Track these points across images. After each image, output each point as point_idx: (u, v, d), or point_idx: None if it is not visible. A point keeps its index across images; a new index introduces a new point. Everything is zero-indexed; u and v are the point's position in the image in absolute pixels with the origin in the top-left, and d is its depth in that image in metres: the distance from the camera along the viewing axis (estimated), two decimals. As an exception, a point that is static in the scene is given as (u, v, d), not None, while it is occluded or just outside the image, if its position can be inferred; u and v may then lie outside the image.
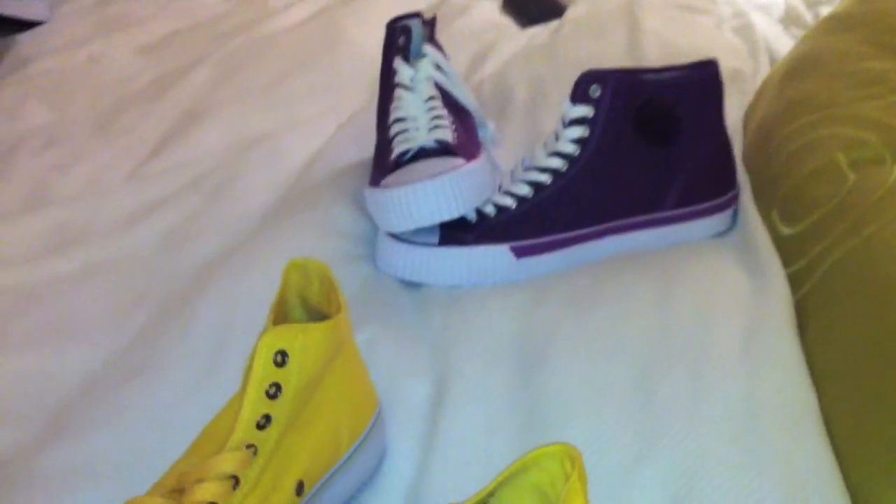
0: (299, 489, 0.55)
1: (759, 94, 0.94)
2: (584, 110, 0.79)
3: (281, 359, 0.53)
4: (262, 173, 0.97)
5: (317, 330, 0.55)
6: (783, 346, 0.65)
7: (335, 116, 1.05)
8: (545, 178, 0.79)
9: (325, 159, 0.96)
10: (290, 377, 0.53)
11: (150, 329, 0.75)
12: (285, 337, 0.53)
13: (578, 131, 0.79)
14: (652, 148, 0.79)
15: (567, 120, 0.80)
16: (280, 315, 0.61)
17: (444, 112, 0.85)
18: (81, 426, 0.66)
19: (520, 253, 0.79)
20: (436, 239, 0.79)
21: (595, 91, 0.78)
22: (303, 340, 0.53)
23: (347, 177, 0.91)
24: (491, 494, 0.47)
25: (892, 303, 0.60)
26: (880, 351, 0.59)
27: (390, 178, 0.79)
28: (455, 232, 0.79)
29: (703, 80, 0.81)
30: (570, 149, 0.79)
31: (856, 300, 0.64)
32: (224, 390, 0.59)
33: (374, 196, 0.78)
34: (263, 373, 0.52)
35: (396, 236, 0.80)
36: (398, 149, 0.81)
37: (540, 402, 0.65)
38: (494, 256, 0.79)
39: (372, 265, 0.82)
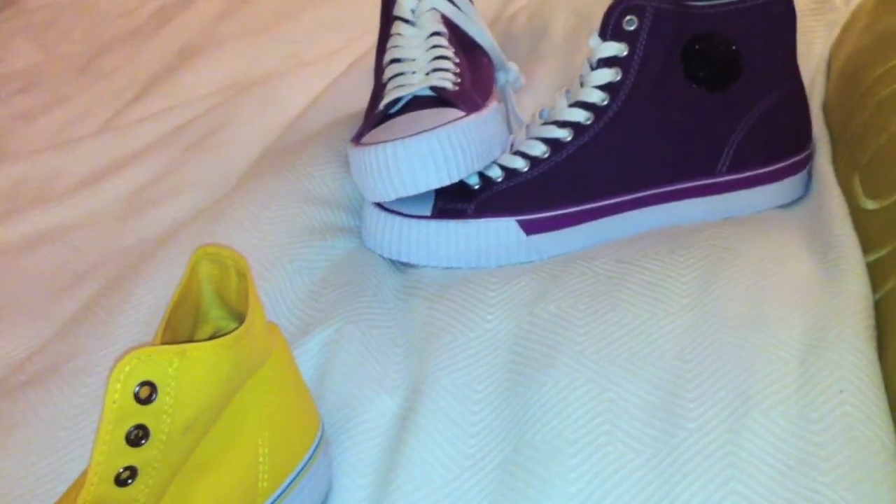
0: (192, 554, 0.42)
1: (848, 25, 0.76)
2: (616, 48, 0.62)
3: (147, 393, 0.39)
4: (254, 123, 0.84)
5: (203, 352, 0.41)
6: (855, 364, 0.48)
7: (343, 58, 0.91)
8: (564, 135, 0.63)
9: (324, 109, 0.82)
10: (162, 415, 0.40)
11: (83, 315, 0.62)
12: (151, 364, 0.39)
13: (608, 75, 0.63)
14: (701, 97, 0.63)
15: (595, 61, 0.63)
16: (190, 317, 0.47)
17: (451, 52, 0.70)
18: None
19: (530, 228, 0.63)
20: (429, 210, 0.64)
21: (630, 23, 0.62)
22: (180, 367, 0.40)
23: (342, 130, 0.77)
24: None
25: None
26: None
27: (372, 134, 0.64)
28: (452, 201, 0.64)
29: (771, 9, 0.63)
30: (597, 97, 0.63)
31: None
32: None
33: (353, 156, 0.64)
34: (120, 412, 0.39)
35: (383, 207, 0.66)
36: (388, 97, 0.66)
37: (531, 431, 0.50)
38: (499, 232, 0.64)
39: (357, 240, 0.68)
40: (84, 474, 0.43)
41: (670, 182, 0.64)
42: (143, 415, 0.39)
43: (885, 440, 0.46)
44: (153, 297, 0.60)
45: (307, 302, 0.62)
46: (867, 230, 0.57)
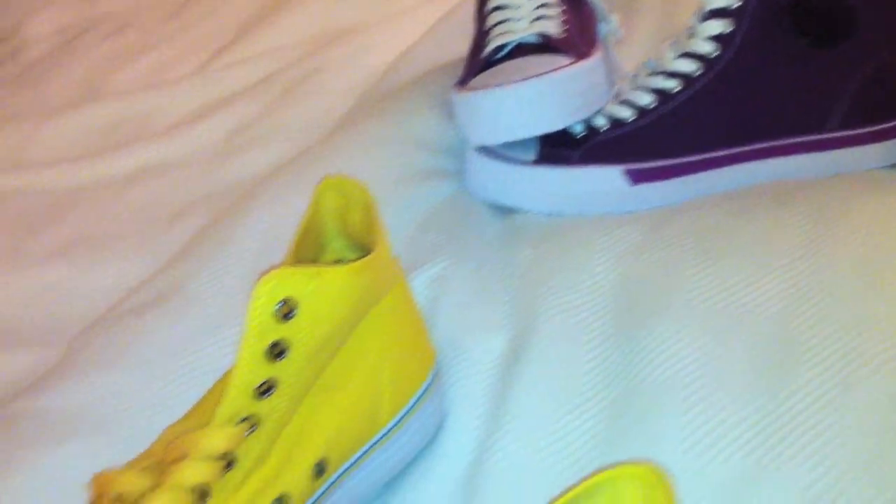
0: (319, 471, 0.43)
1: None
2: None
3: (287, 310, 0.40)
4: (347, 71, 0.84)
5: (338, 275, 0.42)
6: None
7: (435, 9, 0.91)
8: (673, 85, 0.63)
9: (417, 58, 0.82)
10: (300, 334, 0.41)
11: (187, 249, 0.63)
12: (292, 282, 0.40)
13: (719, 26, 0.62)
14: (812, 52, 0.62)
15: (705, 11, 0.63)
16: (312, 246, 0.48)
17: (555, 0, 0.69)
18: (88, 362, 0.55)
19: (636, 178, 0.63)
20: (533, 155, 0.65)
21: (744, -25, 0.61)
22: (317, 287, 0.41)
23: (441, 77, 0.77)
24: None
25: None
26: None
27: (478, 80, 0.64)
28: (557, 148, 0.64)
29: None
30: (707, 48, 0.62)
31: None
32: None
33: (458, 100, 0.64)
34: (262, 327, 0.40)
35: (487, 151, 0.66)
36: (492, 44, 0.66)
37: (637, 378, 0.50)
38: (604, 180, 0.64)
39: (458, 185, 0.68)
40: (216, 386, 0.45)
41: (778, 137, 0.63)
42: (283, 330, 0.40)
43: None
44: (263, 227, 0.61)
45: (410, 243, 0.62)
46: None
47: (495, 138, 0.62)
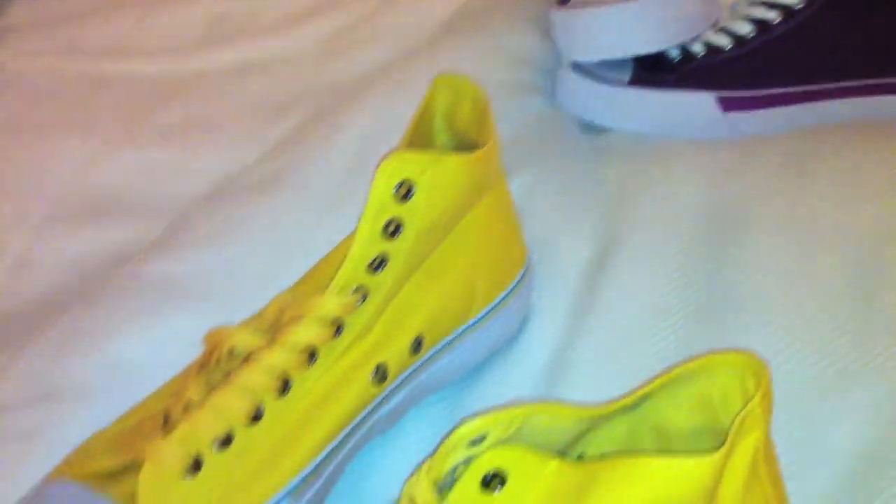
0: (416, 346, 0.46)
1: None
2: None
3: (405, 191, 0.43)
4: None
5: (454, 162, 0.44)
6: None
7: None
8: (773, 16, 0.64)
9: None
10: (415, 214, 0.43)
11: (291, 141, 0.66)
12: (412, 165, 0.42)
13: (826, -40, 0.63)
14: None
15: (813, -55, 0.63)
16: (420, 137, 0.50)
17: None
18: (195, 239, 0.59)
19: (728, 105, 0.65)
20: (627, 77, 0.66)
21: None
22: (434, 172, 0.43)
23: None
24: (645, 398, 0.37)
25: None
26: None
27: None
28: (652, 70, 0.66)
29: None
30: (812, -18, 0.63)
31: None
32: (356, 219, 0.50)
33: (558, 18, 0.66)
34: (381, 205, 0.42)
35: (581, 69, 0.67)
36: (595, -35, 0.68)
37: (723, 287, 0.52)
38: (696, 106, 0.65)
39: (548, 100, 0.70)
40: (324, 260, 0.48)
41: (875, 75, 0.64)
42: (399, 210, 0.43)
43: None
44: (367, 124, 0.63)
45: (502, 154, 0.64)
46: None
47: (592, 55, 0.64)
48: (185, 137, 0.69)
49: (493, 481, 0.34)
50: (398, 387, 0.47)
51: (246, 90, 0.74)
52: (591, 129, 0.68)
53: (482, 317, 0.50)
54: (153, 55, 0.78)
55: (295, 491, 0.42)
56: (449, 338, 0.48)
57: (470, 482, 0.34)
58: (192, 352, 0.47)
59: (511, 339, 0.52)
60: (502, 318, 0.51)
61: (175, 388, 0.45)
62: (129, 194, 0.65)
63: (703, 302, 0.52)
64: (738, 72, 0.64)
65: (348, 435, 0.45)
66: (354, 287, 0.43)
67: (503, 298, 0.51)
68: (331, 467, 0.44)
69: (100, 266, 0.61)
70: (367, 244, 0.43)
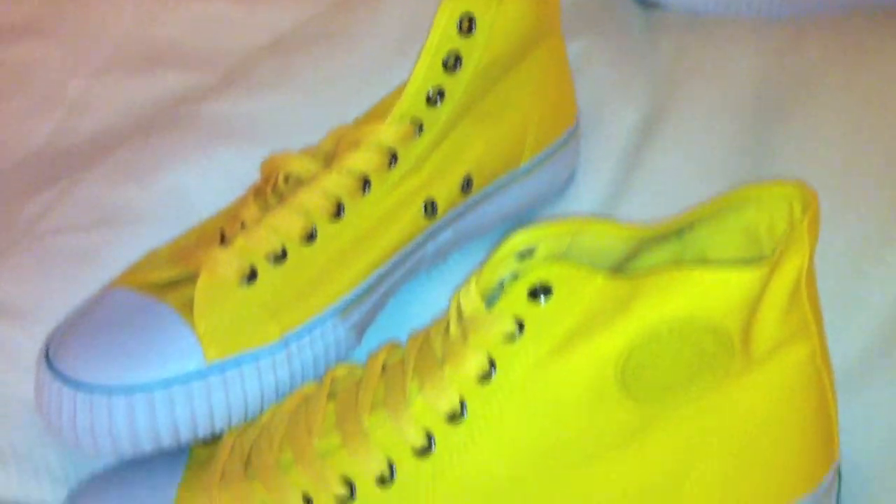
0: (466, 185, 0.47)
1: None
2: None
3: (467, 25, 0.43)
4: None
5: (516, 2, 0.44)
6: None
7: None
8: None
9: None
10: (474, 50, 0.44)
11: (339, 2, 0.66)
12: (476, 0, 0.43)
13: None
14: None
15: None
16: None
17: None
18: (257, 80, 0.60)
19: (787, -17, 0.64)
20: (688, -50, 0.65)
21: None
22: (497, 8, 0.44)
23: None
24: (692, 225, 0.37)
25: None
26: None
27: None
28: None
29: None
30: None
31: None
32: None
33: None
34: (443, 37, 0.43)
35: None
36: None
37: (770, 156, 0.53)
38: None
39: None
40: (382, 102, 0.48)
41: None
42: (461, 43, 0.43)
43: None
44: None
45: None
46: None
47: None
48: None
49: (539, 293, 0.35)
50: (446, 224, 0.48)
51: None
52: (644, 4, 0.68)
53: (532, 165, 0.51)
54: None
55: (343, 311, 0.44)
56: (498, 182, 0.49)
57: (517, 293, 0.35)
58: (243, 186, 0.48)
59: (558, 192, 0.53)
60: (551, 169, 0.52)
61: (231, 212, 0.46)
62: (189, 45, 0.66)
63: (750, 167, 0.52)
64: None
65: (396, 264, 0.46)
66: (411, 118, 0.44)
67: (554, 150, 0.51)
68: (377, 294, 0.46)
69: (156, 110, 0.62)
70: (427, 75, 0.44)
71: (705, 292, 0.33)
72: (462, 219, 0.49)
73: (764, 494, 0.37)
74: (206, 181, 0.54)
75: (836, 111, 0.55)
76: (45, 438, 0.44)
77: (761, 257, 0.37)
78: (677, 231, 0.37)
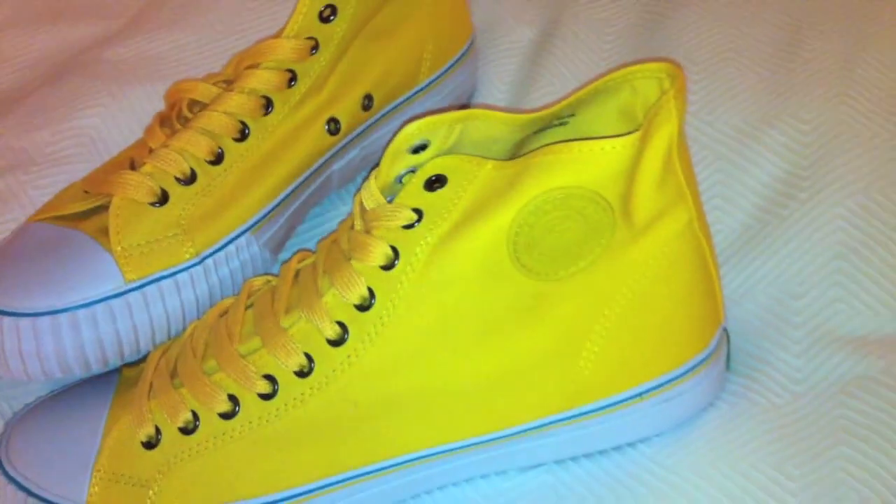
0: (367, 103, 0.49)
1: None
2: None
3: (354, -61, 0.45)
4: None
5: None
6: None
7: None
8: None
9: None
10: (363, -35, 0.46)
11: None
12: (359, -90, 0.45)
13: None
14: None
15: None
16: None
17: None
18: (155, 23, 0.61)
19: None
20: None
21: None
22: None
23: None
24: (572, 114, 0.40)
25: None
26: None
27: None
28: None
29: None
30: None
31: None
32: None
33: None
34: (333, -48, 0.45)
35: None
36: None
37: (661, 52, 0.56)
38: None
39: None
40: (279, 31, 0.50)
41: None
42: (350, -41, 0.45)
43: None
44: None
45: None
46: None
47: None
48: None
49: (435, 184, 0.37)
50: (350, 142, 0.50)
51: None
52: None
53: (430, 82, 0.53)
54: None
55: (254, 227, 0.46)
56: (398, 101, 0.51)
57: (415, 185, 0.37)
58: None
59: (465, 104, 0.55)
60: (450, 85, 0.54)
61: (139, 142, 0.47)
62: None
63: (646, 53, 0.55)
64: None
65: (304, 183, 0.48)
66: (306, 35, 0.46)
67: (450, 66, 0.53)
68: (288, 211, 0.48)
69: (62, 58, 0.62)
70: (315, -5, 0.45)
71: (582, 163, 0.35)
72: (366, 137, 0.51)
73: (657, 357, 0.40)
74: (114, 121, 0.55)
75: (724, 3, 0.58)
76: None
77: (638, 133, 0.39)
78: (561, 118, 0.40)
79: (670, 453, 0.41)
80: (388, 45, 0.49)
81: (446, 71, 0.53)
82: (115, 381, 0.43)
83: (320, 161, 0.48)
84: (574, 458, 0.42)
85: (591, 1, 0.61)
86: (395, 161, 0.38)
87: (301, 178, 0.48)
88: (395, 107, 0.51)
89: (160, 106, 0.51)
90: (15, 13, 0.66)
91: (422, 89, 0.52)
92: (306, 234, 0.51)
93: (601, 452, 0.41)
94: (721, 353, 0.42)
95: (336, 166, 0.50)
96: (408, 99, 0.52)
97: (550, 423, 0.40)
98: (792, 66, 0.53)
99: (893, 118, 0.50)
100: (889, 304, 0.44)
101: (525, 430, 0.40)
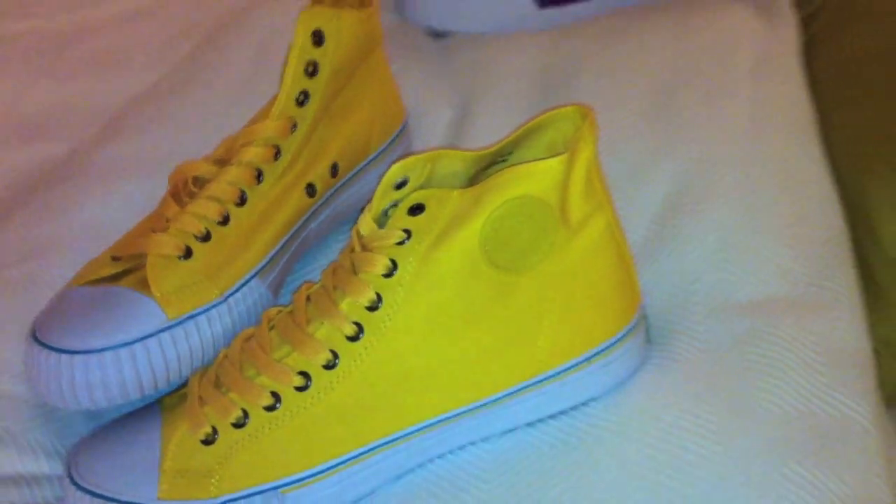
0: (334, 170, 0.61)
1: None
2: None
3: (318, 39, 0.57)
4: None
5: (350, 16, 0.58)
6: (787, 70, 0.69)
7: None
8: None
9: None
10: (326, 57, 0.57)
11: (191, 57, 0.79)
12: (322, 17, 0.57)
13: None
14: None
15: None
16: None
17: None
18: (133, 129, 0.71)
19: (543, 1, 0.82)
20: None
21: None
22: (338, 24, 0.57)
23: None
24: (510, 152, 0.52)
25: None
26: (885, 59, 0.63)
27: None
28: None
29: None
30: None
31: (860, 25, 0.67)
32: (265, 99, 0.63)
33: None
34: (302, 50, 0.56)
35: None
36: None
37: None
38: (517, 4, 0.82)
39: (396, 16, 0.86)
40: (255, 115, 0.61)
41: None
42: (316, 53, 0.57)
43: (805, 111, 0.67)
44: (251, 36, 0.77)
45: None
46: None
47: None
48: (96, 68, 0.80)
49: (416, 210, 0.49)
50: (324, 203, 0.61)
51: (139, 32, 0.86)
52: (436, 34, 0.85)
53: (378, 153, 0.65)
54: (49, 14, 0.89)
55: (260, 272, 0.56)
56: (357, 168, 0.63)
57: (400, 213, 0.49)
58: (143, 211, 0.60)
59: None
60: (392, 156, 0.66)
61: (154, 215, 0.57)
62: (57, 117, 0.77)
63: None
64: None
65: (293, 235, 0.59)
66: (287, 117, 0.57)
67: (392, 140, 0.66)
68: (283, 260, 0.58)
69: (49, 167, 0.72)
70: (294, 82, 0.57)
71: (529, 178, 0.47)
72: (334, 200, 0.62)
73: (595, 330, 0.52)
74: (114, 213, 0.65)
75: (599, 75, 0.72)
76: (35, 421, 0.54)
77: (562, 162, 0.52)
78: (503, 155, 0.52)
79: (613, 409, 0.53)
80: (346, 123, 0.61)
81: (390, 143, 0.66)
82: (156, 408, 0.52)
83: (302, 219, 0.59)
84: (541, 420, 0.52)
85: (499, 80, 0.74)
86: (384, 196, 0.49)
87: (290, 233, 0.58)
88: (355, 173, 0.63)
89: (146, 194, 0.61)
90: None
91: (373, 159, 0.64)
92: (293, 284, 0.61)
93: (563, 412, 0.53)
94: (642, 326, 0.54)
95: (313, 224, 0.61)
96: (364, 167, 0.64)
97: (521, 388, 0.51)
98: (668, 111, 0.67)
99: (751, 147, 0.64)
100: (761, 279, 0.58)
101: (501, 397, 0.51)
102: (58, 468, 0.53)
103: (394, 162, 0.49)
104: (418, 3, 0.84)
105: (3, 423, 0.53)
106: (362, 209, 0.50)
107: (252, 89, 0.73)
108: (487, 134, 0.69)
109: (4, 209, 0.67)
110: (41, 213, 0.65)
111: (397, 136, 0.66)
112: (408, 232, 0.48)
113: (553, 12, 0.82)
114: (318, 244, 0.63)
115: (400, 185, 0.49)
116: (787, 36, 0.72)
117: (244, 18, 0.81)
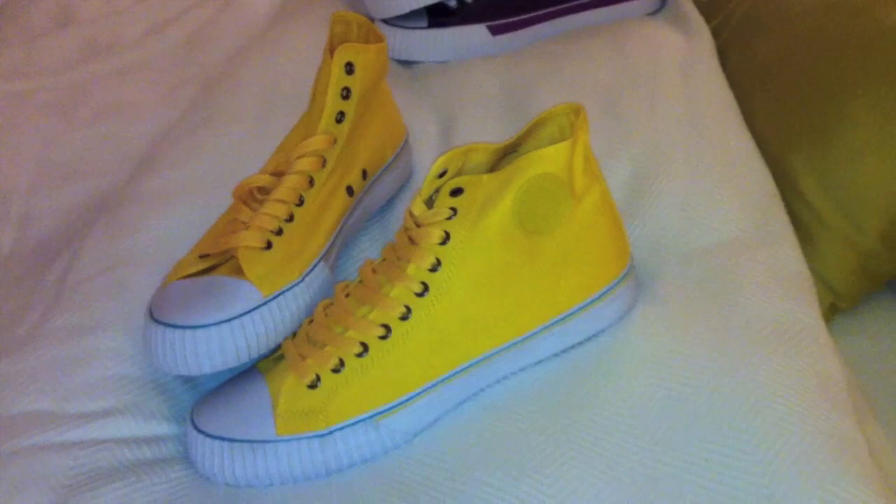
0: (364, 175, 0.74)
1: None
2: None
3: (349, 69, 0.70)
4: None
5: (373, 50, 0.72)
6: (710, 70, 0.86)
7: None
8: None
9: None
10: (356, 84, 0.71)
11: (202, 98, 0.91)
12: (353, 51, 0.70)
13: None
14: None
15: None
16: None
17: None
18: (165, 165, 0.83)
19: (495, 31, 0.97)
20: (425, 23, 0.97)
21: None
22: (365, 56, 0.71)
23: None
24: (520, 144, 0.66)
25: (793, 24, 0.82)
26: (788, 56, 0.80)
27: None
28: (440, 17, 0.97)
29: None
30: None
31: (765, 30, 0.85)
32: (279, 130, 0.74)
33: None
34: (338, 78, 0.70)
35: (389, 22, 0.97)
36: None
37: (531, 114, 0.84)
38: (474, 35, 0.97)
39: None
40: (303, 121, 0.73)
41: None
42: (348, 80, 0.70)
43: (732, 104, 0.83)
44: (259, 73, 0.90)
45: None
46: (706, 11, 0.95)
47: (395, 12, 0.94)
48: (111, 115, 0.91)
49: (457, 192, 0.62)
50: (358, 202, 0.74)
51: (140, 81, 0.97)
52: (406, 63, 0.99)
53: (391, 161, 0.78)
54: (51, 72, 0.99)
55: (324, 256, 0.69)
56: (378, 173, 0.76)
57: (444, 196, 0.62)
58: (199, 228, 0.71)
59: (408, 178, 0.81)
60: (401, 164, 0.80)
61: (226, 218, 0.69)
62: (88, 159, 0.87)
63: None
64: (497, 8, 0.97)
65: (341, 228, 0.72)
66: (329, 133, 0.70)
67: (399, 151, 0.79)
68: (336, 247, 0.71)
69: (89, 205, 0.82)
70: (333, 104, 0.70)
71: (546, 160, 0.62)
72: (364, 199, 0.75)
73: (600, 278, 0.66)
74: (172, 229, 0.76)
75: (553, 91, 0.87)
76: (149, 394, 0.65)
77: (561, 149, 0.67)
78: (514, 146, 0.66)
79: (615, 338, 0.67)
80: (369, 137, 0.75)
81: (398, 154, 0.79)
82: (255, 370, 0.64)
83: (347, 215, 0.72)
84: (563, 352, 0.66)
85: (469, 100, 0.89)
86: (431, 184, 0.63)
87: (340, 226, 0.71)
88: (377, 178, 0.76)
89: (205, 215, 0.73)
90: (34, 177, 0.86)
91: (387, 166, 0.78)
92: (339, 268, 0.74)
93: (579, 343, 0.67)
94: (633, 272, 0.69)
95: (350, 220, 0.74)
96: (383, 172, 0.77)
97: (548, 325, 0.65)
98: (617, 113, 0.83)
99: (690, 132, 0.80)
100: (716, 228, 0.73)
101: (533, 334, 0.65)
102: (173, 429, 0.64)
103: (435, 158, 0.62)
104: (391, 40, 0.97)
105: (128, 398, 0.64)
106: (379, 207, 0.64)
107: (264, 123, 0.85)
108: (469, 142, 0.83)
109: (77, 232, 0.78)
110: (113, 232, 0.76)
111: (402, 147, 0.80)
112: (454, 209, 0.62)
113: (504, 38, 0.97)
114: (351, 236, 0.76)
115: (441, 175, 0.63)
116: (704, 44, 0.89)
117: (251, 63, 0.93)
